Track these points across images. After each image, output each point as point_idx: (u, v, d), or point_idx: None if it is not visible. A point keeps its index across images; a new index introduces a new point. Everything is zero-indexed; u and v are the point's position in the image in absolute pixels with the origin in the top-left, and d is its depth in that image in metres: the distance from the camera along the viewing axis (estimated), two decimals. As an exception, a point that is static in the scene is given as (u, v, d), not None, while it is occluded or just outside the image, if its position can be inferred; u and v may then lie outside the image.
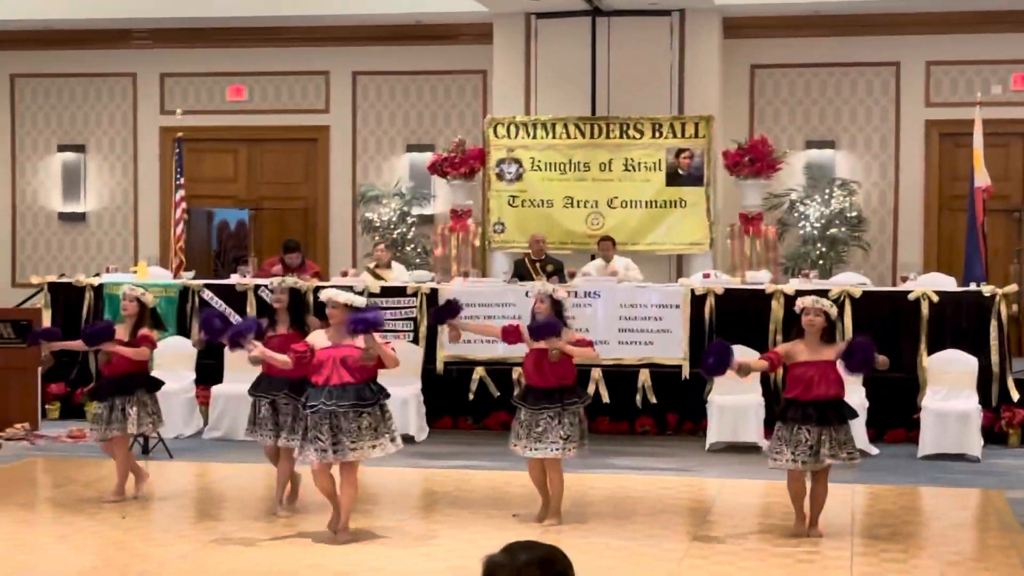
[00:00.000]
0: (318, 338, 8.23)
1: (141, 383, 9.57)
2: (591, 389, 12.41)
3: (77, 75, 17.47)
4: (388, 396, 8.25)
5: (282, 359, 8.23)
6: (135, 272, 13.93)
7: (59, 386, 13.18)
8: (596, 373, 12.43)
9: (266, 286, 11.82)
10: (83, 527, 8.69)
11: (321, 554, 7.94)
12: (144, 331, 9.62)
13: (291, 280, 9.44)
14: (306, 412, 8.07)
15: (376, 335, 8.03)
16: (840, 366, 8.36)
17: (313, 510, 8.92)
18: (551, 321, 8.61)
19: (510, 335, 8.96)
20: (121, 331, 9.49)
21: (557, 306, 8.77)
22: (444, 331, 12.69)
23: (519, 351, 11.79)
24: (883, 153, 15.96)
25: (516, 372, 12.58)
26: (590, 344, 8.91)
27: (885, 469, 10.93)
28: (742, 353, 12.09)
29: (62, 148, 17.56)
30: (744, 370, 8.50)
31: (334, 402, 7.95)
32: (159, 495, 10.08)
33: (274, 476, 9.19)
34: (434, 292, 12.86)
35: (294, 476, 9.09)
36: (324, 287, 12.73)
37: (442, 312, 9.27)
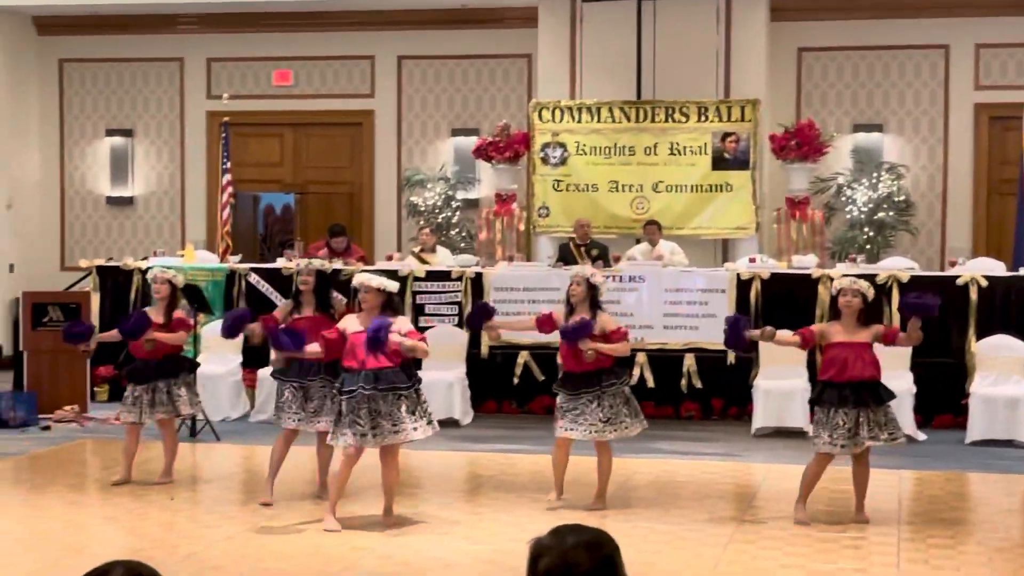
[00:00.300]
0: (350, 322, 8.20)
1: (184, 365, 9.64)
2: (636, 373, 12.40)
3: (125, 60, 17.57)
4: (420, 381, 8.24)
5: (312, 350, 8.20)
6: (182, 256, 14.02)
7: (107, 369, 13.28)
8: (641, 358, 12.42)
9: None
10: (131, 508, 8.77)
11: (366, 537, 7.98)
12: (179, 314, 9.69)
13: (317, 262, 9.40)
14: (341, 397, 8.06)
15: (397, 335, 7.98)
16: (904, 310, 8.28)
17: (358, 494, 8.96)
18: (582, 324, 8.52)
19: (544, 324, 8.91)
20: (155, 314, 9.51)
21: (593, 290, 8.73)
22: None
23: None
24: (932, 137, 15.81)
25: (522, 356, 12.58)
26: (624, 336, 8.77)
27: (932, 455, 10.86)
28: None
29: (110, 133, 17.67)
30: (768, 335, 8.44)
31: (372, 386, 7.93)
32: (206, 477, 10.16)
33: (312, 459, 9.19)
34: (479, 276, 12.88)
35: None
36: (368, 270, 12.80)
37: (475, 317, 9.23)
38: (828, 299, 12.07)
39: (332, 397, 8.57)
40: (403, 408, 8.01)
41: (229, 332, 8.97)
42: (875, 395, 8.23)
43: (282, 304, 9.21)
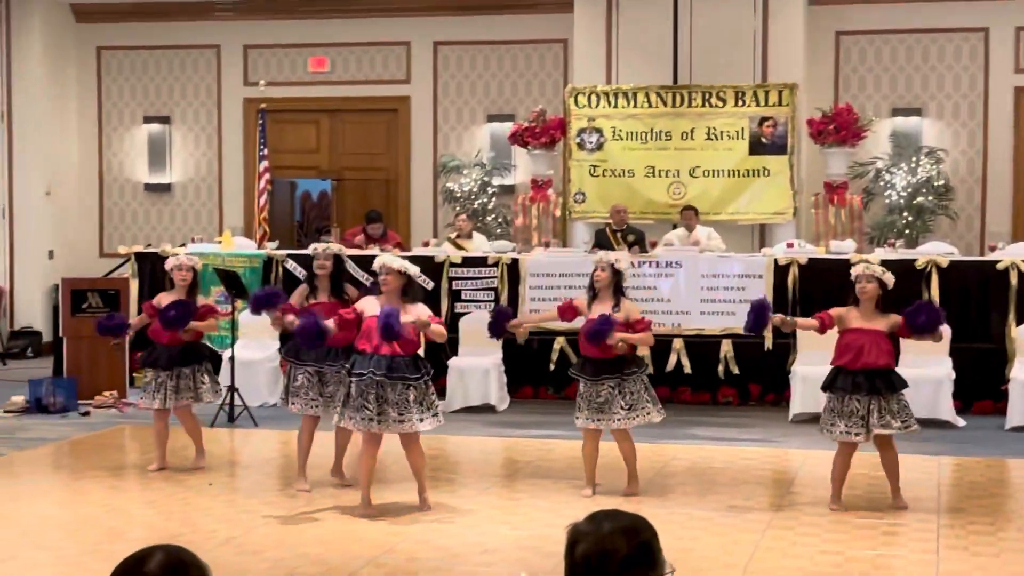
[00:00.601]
0: (368, 305, 8.16)
1: (206, 352, 9.70)
2: (672, 360, 12.39)
3: (162, 47, 17.64)
4: (431, 372, 8.23)
5: (328, 326, 8.18)
6: (220, 242, 14.08)
7: (146, 355, 13.34)
8: (678, 343, 12.39)
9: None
10: (171, 493, 8.82)
11: (403, 522, 8.00)
12: (206, 301, 9.73)
13: (335, 247, 9.39)
14: (351, 379, 8.04)
15: (408, 317, 7.97)
16: (906, 326, 8.22)
17: (393, 480, 8.98)
18: (603, 326, 8.45)
19: (566, 312, 8.85)
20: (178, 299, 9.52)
21: (617, 276, 8.69)
22: (524, 301, 12.71)
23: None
24: (971, 121, 15.68)
25: (558, 342, 12.55)
26: (648, 326, 8.74)
27: (972, 441, 10.79)
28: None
29: (148, 120, 17.76)
30: (788, 325, 8.42)
31: (383, 373, 7.91)
32: (244, 462, 10.22)
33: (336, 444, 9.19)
34: (515, 262, 12.87)
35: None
36: (405, 256, 12.82)
37: (495, 326, 9.10)
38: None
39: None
40: (411, 398, 7.97)
41: (257, 307, 8.91)
42: (888, 383, 8.19)
43: (299, 290, 9.20)
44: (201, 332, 9.59)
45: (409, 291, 8.14)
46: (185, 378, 9.46)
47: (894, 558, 7.34)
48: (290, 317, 8.38)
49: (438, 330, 8.15)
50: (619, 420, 8.53)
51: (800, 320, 8.61)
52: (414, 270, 8.19)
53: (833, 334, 8.42)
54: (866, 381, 8.13)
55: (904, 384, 8.28)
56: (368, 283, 12.76)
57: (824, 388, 8.39)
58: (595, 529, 2.88)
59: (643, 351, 9.25)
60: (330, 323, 8.14)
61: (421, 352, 8.28)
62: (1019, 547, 7.50)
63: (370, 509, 8.12)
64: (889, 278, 8.31)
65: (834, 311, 8.40)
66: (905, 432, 8.25)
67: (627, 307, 8.63)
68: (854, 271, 8.40)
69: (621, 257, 9.00)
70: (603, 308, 8.57)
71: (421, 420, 8.03)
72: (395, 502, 8.42)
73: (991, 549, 7.42)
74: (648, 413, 8.62)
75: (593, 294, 8.71)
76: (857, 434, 8.15)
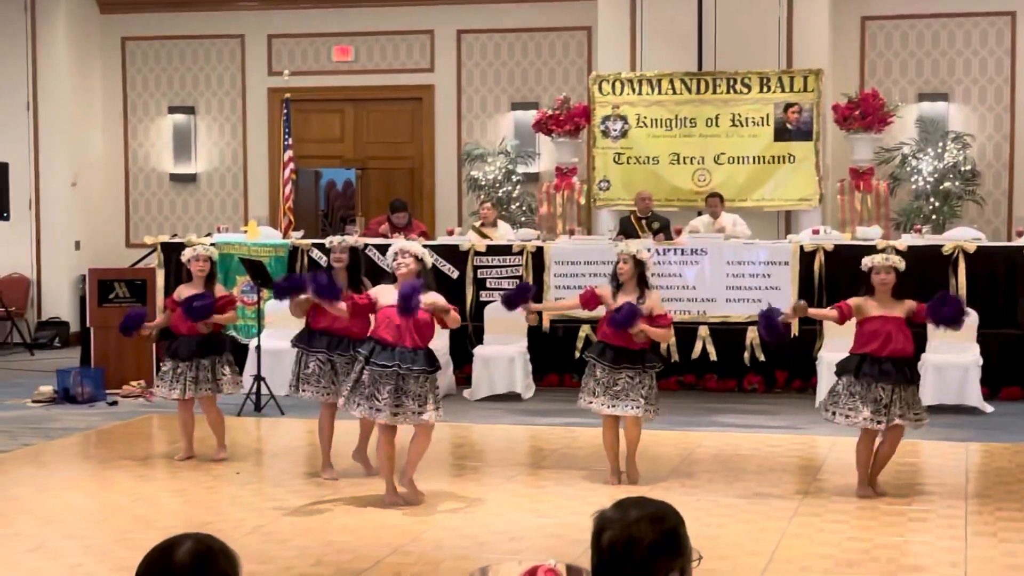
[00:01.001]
0: (382, 293, 8.16)
1: (226, 343, 9.73)
2: (698, 347, 12.37)
3: (186, 37, 17.69)
4: (440, 368, 8.27)
5: (341, 307, 8.21)
6: (246, 232, 14.12)
7: (173, 344, 13.39)
8: (704, 331, 12.38)
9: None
10: (199, 482, 8.86)
11: (430, 510, 8.01)
12: (226, 292, 9.76)
13: (351, 239, 9.41)
14: (365, 366, 8.01)
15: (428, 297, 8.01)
16: (930, 317, 8.22)
17: (419, 468, 8.99)
18: (632, 311, 8.46)
19: (589, 302, 8.82)
20: (197, 290, 9.53)
21: (640, 267, 8.67)
22: (549, 289, 12.71)
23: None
24: (998, 105, 15.59)
25: (584, 330, 12.54)
26: (669, 323, 8.75)
27: (1000, 427, 10.74)
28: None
29: (172, 110, 17.81)
30: (801, 309, 8.39)
31: (408, 366, 7.92)
32: (271, 451, 10.25)
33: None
34: (539, 250, 12.87)
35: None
36: (429, 245, 12.83)
37: (512, 300, 9.01)
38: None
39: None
40: (428, 390, 8.00)
41: (280, 294, 8.95)
42: (913, 373, 8.23)
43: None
44: (222, 324, 9.62)
45: (424, 278, 8.14)
46: (204, 369, 9.47)
47: (921, 544, 7.32)
48: (304, 296, 8.42)
49: (454, 316, 8.18)
50: (636, 408, 8.52)
51: (817, 310, 8.61)
52: (429, 259, 8.21)
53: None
54: (894, 369, 8.12)
55: (918, 376, 8.37)
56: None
57: (841, 373, 8.35)
58: (622, 516, 2.88)
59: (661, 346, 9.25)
60: (343, 305, 8.21)
61: (447, 340, 8.31)
62: (1048, 533, 7.47)
63: (396, 497, 8.14)
64: (903, 265, 8.35)
65: (852, 301, 8.38)
66: (917, 424, 8.28)
67: (652, 299, 8.62)
68: (868, 261, 8.39)
69: (641, 247, 8.97)
70: (628, 299, 8.56)
71: (436, 410, 8.06)
72: (422, 490, 8.43)
73: (1019, 535, 7.39)
74: (656, 410, 8.65)
75: (617, 285, 8.69)
76: (879, 422, 8.14)
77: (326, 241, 9.40)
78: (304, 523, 7.75)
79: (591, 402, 8.63)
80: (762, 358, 12.33)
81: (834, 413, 8.32)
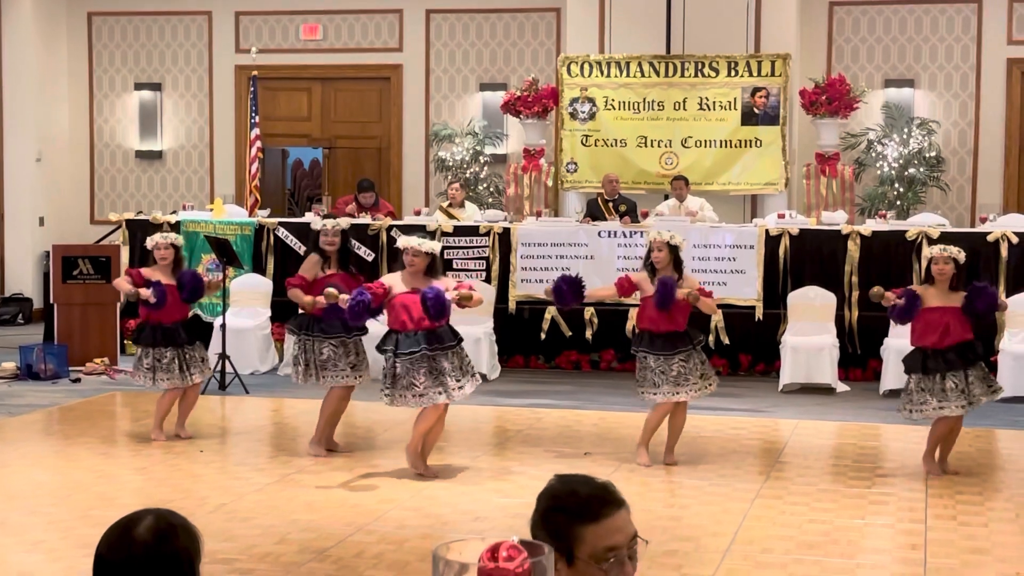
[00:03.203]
0: (395, 282, 8.25)
1: (197, 328, 9.86)
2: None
3: (153, 14, 17.56)
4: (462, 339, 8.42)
5: (344, 297, 8.27)
6: (211, 210, 14.06)
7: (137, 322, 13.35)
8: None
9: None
10: (161, 460, 8.84)
11: (395, 490, 8.03)
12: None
13: (344, 221, 9.45)
14: (395, 359, 8.07)
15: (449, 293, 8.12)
16: (965, 310, 8.30)
17: (384, 447, 9.00)
18: (666, 287, 8.50)
19: (625, 289, 8.85)
20: (164, 277, 9.46)
21: (675, 251, 8.71)
22: (515, 271, 12.72)
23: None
24: (963, 92, 15.68)
25: (588, 312, 12.60)
26: (711, 295, 8.88)
27: (961, 412, 10.81)
28: (819, 295, 12.04)
29: (139, 86, 17.69)
30: (877, 296, 8.47)
31: (435, 345, 8.04)
32: (235, 430, 10.23)
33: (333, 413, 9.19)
34: (506, 232, 12.87)
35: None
36: (397, 225, 12.82)
37: (566, 294, 8.85)
38: (857, 255, 12.12)
39: (355, 352, 8.90)
40: (459, 363, 8.17)
41: (355, 317, 8.57)
42: (974, 353, 8.34)
43: (310, 262, 9.17)
44: (186, 307, 9.71)
45: (432, 268, 8.25)
46: (187, 355, 9.51)
47: (883, 527, 7.38)
48: (343, 297, 8.35)
49: (478, 298, 8.38)
50: (697, 389, 8.61)
51: (890, 295, 8.49)
52: (436, 248, 8.25)
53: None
54: (958, 357, 8.27)
55: (985, 354, 8.53)
56: (369, 258, 12.78)
57: (909, 371, 8.46)
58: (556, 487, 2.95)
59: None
60: (310, 298, 8.50)
61: None
62: (1006, 517, 7.54)
63: (428, 470, 8.28)
64: (963, 257, 8.42)
65: (918, 288, 8.50)
66: (993, 397, 8.46)
67: (689, 281, 8.72)
68: (928, 252, 8.49)
69: (672, 230, 8.95)
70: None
71: (474, 377, 8.26)
72: (387, 469, 8.45)
73: (979, 519, 7.47)
74: (711, 382, 8.75)
75: (653, 271, 8.71)
76: (961, 406, 8.28)
77: (318, 225, 9.37)
78: (268, 502, 7.75)
79: (655, 393, 8.63)
80: (727, 341, 12.38)
81: (911, 411, 8.43)
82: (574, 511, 2.88)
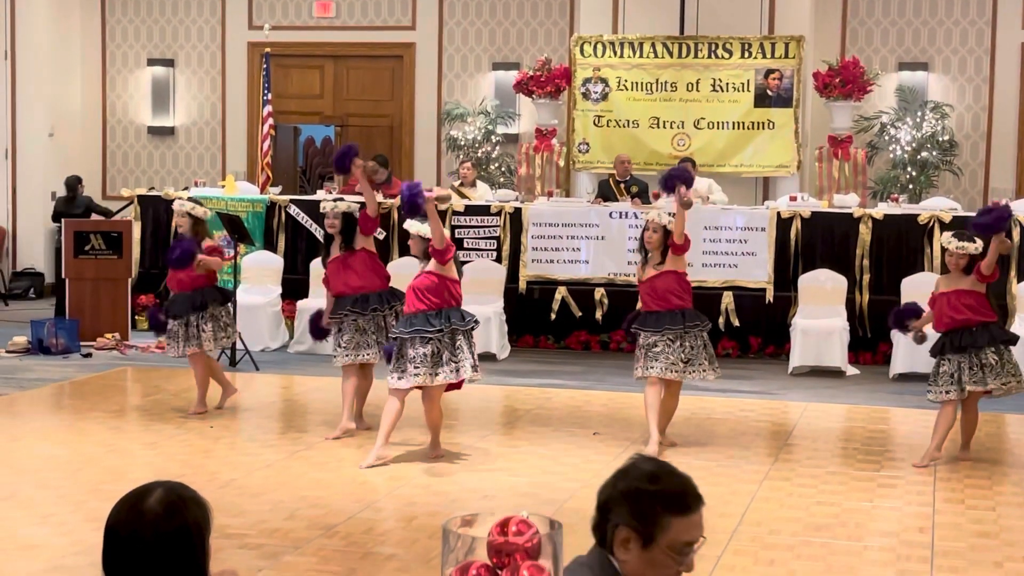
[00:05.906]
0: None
1: (213, 297, 9.70)
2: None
3: (166, -10, 17.55)
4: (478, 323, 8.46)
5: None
6: (223, 186, 14.07)
7: (149, 297, 13.38)
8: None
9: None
10: (172, 435, 8.87)
11: (404, 468, 8.05)
12: (210, 242, 9.76)
13: (344, 205, 9.39)
14: (404, 337, 8.05)
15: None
16: (971, 224, 8.38)
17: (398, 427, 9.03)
18: (680, 171, 8.75)
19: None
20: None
21: (667, 235, 8.70)
22: (526, 251, 12.72)
23: (600, 272, 11.84)
24: (977, 76, 15.62)
25: (598, 293, 12.60)
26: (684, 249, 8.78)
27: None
28: (830, 278, 12.04)
29: (152, 62, 17.69)
30: (919, 335, 8.60)
31: (449, 324, 8.03)
32: (245, 406, 10.26)
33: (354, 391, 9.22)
34: (518, 211, 12.86)
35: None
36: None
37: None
38: (869, 239, 12.11)
39: (377, 329, 8.88)
40: (468, 345, 8.14)
41: (339, 165, 9.26)
42: (980, 337, 8.29)
43: (334, 256, 9.17)
44: (213, 271, 9.64)
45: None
46: (191, 326, 9.53)
47: (891, 510, 7.38)
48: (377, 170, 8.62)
49: (442, 193, 8.74)
50: (675, 371, 8.52)
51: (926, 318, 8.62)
52: (427, 231, 8.27)
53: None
54: (971, 341, 8.26)
55: (1000, 339, 8.39)
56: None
57: (933, 355, 8.50)
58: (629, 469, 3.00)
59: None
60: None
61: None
62: (1015, 501, 7.55)
63: (439, 450, 8.32)
64: (975, 246, 8.37)
65: (932, 293, 8.61)
66: (1007, 390, 8.39)
67: (674, 262, 8.71)
68: (947, 243, 8.49)
69: (665, 215, 8.95)
70: (656, 267, 8.60)
71: (474, 367, 8.22)
72: (396, 446, 8.47)
73: (987, 503, 7.47)
74: (704, 371, 8.68)
75: (645, 255, 8.72)
76: (946, 391, 8.29)
77: (321, 207, 9.41)
78: (277, 478, 7.77)
79: (638, 367, 8.58)
80: (737, 323, 12.38)
81: (936, 394, 8.40)
82: (668, 500, 2.93)
